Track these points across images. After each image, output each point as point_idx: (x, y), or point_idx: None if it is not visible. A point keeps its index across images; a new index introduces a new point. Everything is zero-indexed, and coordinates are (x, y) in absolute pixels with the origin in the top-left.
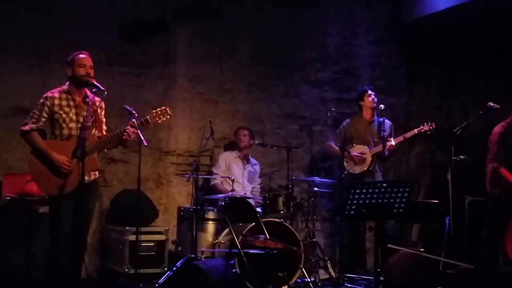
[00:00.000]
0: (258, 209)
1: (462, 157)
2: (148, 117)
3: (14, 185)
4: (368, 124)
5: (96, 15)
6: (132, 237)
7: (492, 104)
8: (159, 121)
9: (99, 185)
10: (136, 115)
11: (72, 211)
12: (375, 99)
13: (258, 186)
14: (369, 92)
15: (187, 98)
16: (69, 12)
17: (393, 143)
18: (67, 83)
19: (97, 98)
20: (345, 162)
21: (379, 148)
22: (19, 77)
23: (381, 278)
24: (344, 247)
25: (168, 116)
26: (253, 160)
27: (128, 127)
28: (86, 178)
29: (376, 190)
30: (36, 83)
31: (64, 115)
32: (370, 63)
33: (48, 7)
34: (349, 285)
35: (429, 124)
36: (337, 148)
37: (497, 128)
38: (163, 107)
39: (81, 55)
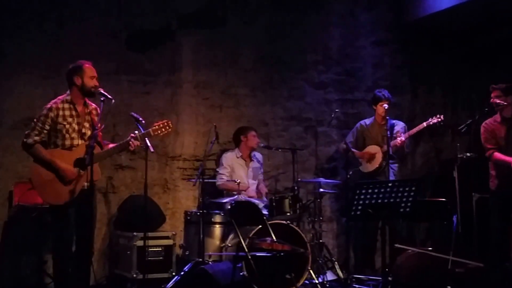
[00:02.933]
0: (265, 212)
1: (468, 154)
2: (150, 129)
3: (24, 194)
4: (380, 127)
5: (104, 26)
6: (140, 243)
7: (497, 100)
8: (161, 134)
9: (96, 188)
10: (143, 122)
11: (76, 219)
12: (387, 108)
13: (262, 177)
14: (383, 101)
15: (193, 103)
16: (78, 25)
17: (403, 138)
18: (69, 91)
19: (93, 105)
20: (360, 163)
21: (393, 143)
22: (31, 89)
23: (389, 278)
24: (352, 247)
25: (170, 129)
26: (254, 155)
27: (132, 140)
28: (85, 185)
29: (382, 190)
30: (48, 95)
31: (67, 126)
32: (373, 63)
33: (58, 20)
34: (357, 285)
35: (438, 116)
36: (351, 148)
37: (482, 125)
38: (165, 121)
39: (88, 65)
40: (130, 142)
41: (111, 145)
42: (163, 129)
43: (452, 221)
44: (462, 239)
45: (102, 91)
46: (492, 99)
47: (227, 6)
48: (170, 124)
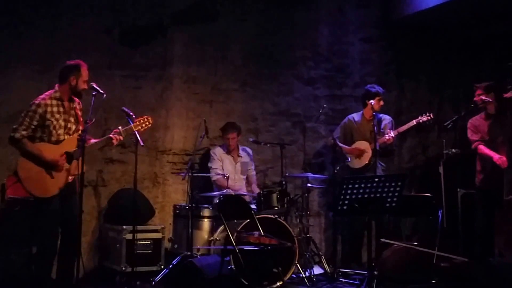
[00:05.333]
0: (253, 206)
1: (453, 150)
2: (132, 125)
3: (17, 187)
4: (369, 122)
5: (97, 22)
6: (129, 236)
7: (483, 97)
8: (142, 129)
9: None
10: (134, 116)
11: (61, 213)
12: (382, 104)
13: (253, 173)
14: (380, 96)
15: (183, 98)
16: (73, 20)
17: (393, 134)
18: (57, 87)
19: (76, 100)
20: (348, 158)
21: (382, 139)
22: (26, 83)
23: (375, 272)
24: (339, 242)
25: (150, 125)
26: (244, 150)
27: (115, 135)
28: (70, 178)
29: (369, 185)
30: (42, 89)
31: (54, 122)
32: (361, 60)
33: (53, 16)
34: (343, 279)
35: (428, 114)
36: (339, 143)
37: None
38: (145, 116)
39: (85, 67)
40: (112, 136)
41: (93, 140)
42: (143, 125)
43: (437, 216)
44: (447, 234)
45: (94, 86)
46: (475, 97)
47: (218, 2)
48: (150, 120)
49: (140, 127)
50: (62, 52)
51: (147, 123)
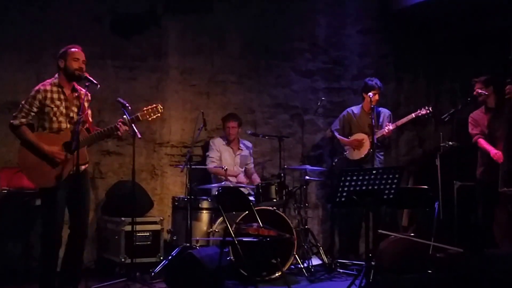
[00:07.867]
0: (251, 198)
1: (450, 143)
2: (139, 114)
3: (10, 179)
4: (367, 114)
5: (88, 9)
6: (128, 228)
7: (479, 90)
8: (150, 118)
9: (88, 174)
10: (129, 107)
11: (66, 202)
12: (378, 98)
13: (252, 166)
14: (376, 89)
15: (180, 90)
16: (61, 7)
17: (391, 127)
18: (57, 75)
19: (83, 90)
20: (346, 150)
21: (380, 132)
22: (14, 72)
23: (372, 263)
24: (336, 233)
25: (159, 114)
26: (244, 143)
27: (120, 124)
28: (74, 169)
29: (366, 177)
30: (31, 78)
31: (55, 109)
32: (358, 52)
33: (41, 2)
34: (341, 270)
35: (427, 108)
36: (337, 135)
37: (469, 116)
38: (154, 105)
39: (74, 49)
40: (118, 126)
41: (97, 129)
42: (152, 114)
43: (434, 208)
44: (443, 225)
45: (88, 76)
46: (475, 92)
47: None
48: (159, 109)
49: (148, 116)
50: (51, 41)
51: (157, 112)
